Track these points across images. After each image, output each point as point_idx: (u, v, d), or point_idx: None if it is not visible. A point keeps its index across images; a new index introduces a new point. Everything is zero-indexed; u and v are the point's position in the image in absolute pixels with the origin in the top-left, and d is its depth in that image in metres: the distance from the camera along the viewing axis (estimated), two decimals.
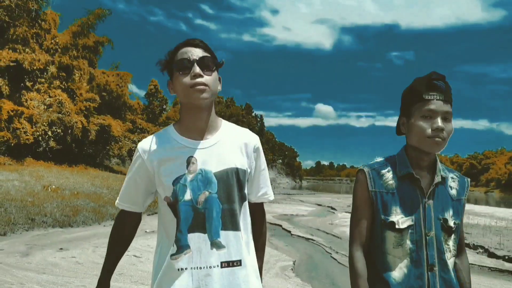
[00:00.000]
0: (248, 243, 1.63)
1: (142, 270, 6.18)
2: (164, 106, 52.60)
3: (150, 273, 5.92)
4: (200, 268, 1.51)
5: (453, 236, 1.64)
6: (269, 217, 14.16)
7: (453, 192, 1.69)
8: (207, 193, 1.54)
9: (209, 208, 1.53)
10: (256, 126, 66.53)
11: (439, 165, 1.68)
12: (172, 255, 1.53)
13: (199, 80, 1.52)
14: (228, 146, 1.63)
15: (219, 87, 1.64)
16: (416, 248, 1.58)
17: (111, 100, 30.63)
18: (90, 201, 12.79)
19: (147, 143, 1.62)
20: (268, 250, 8.32)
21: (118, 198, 1.70)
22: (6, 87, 21.21)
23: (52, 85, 24.39)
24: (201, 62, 1.55)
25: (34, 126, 22.22)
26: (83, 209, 11.57)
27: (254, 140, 1.70)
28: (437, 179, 1.63)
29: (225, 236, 1.54)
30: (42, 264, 6.21)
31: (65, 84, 25.30)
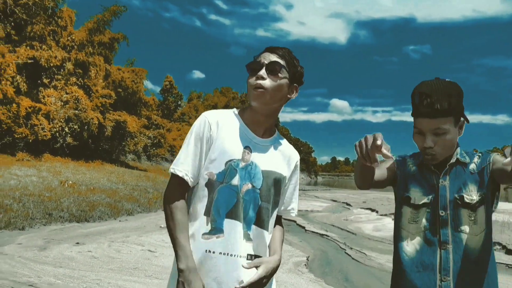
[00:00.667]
0: (269, 245, 1.67)
1: (156, 265, 6.22)
2: (179, 102, 52.88)
3: (164, 267, 5.97)
4: (230, 255, 1.52)
5: (480, 208, 1.62)
6: None
7: (473, 166, 1.68)
8: (250, 185, 1.57)
9: (248, 200, 1.56)
10: None
11: (458, 150, 1.70)
12: (204, 233, 1.53)
13: (259, 82, 1.56)
14: (281, 155, 1.69)
15: (291, 95, 1.67)
16: (430, 226, 1.63)
17: (127, 96, 30.86)
18: (106, 197, 12.92)
19: (216, 115, 1.62)
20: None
21: (176, 166, 1.58)
22: (24, 84, 21.50)
23: (68, 82, 24.68)
24: (269, 66, 1.57)
25: (51, 123, 22.54)
26: (99, 204, 11.69)
27: (297, 156, 1.78)
28: (452, 160, 1.67)
29: (255, 231, 1.58)
30: (59, 258, 6.28)
31: (82, 81, 25.58)
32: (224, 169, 1.56)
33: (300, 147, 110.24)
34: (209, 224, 1.53)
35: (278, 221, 1.76)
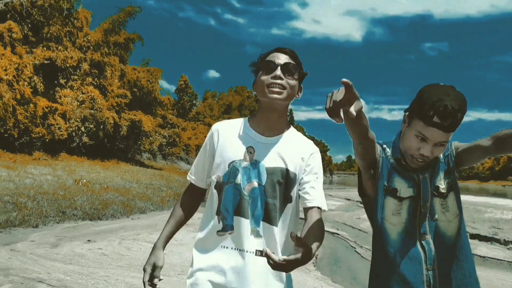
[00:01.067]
0: (285, 242, 1.67)
1: (166, 262, 6.28)
2: (194, 101, 53.13)
3: (172, 264, 6.03)
4: (240, 250, 1.61)
5: (450, 195, 1.69)
6: None
7: (441, 155, 1.72)
8: (255, 183, 1.64)
9: (254, 198, 1.63)
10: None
11: None
12: (218, 231, 1.65)
13: (278, 81, 1.62)
14: (288, 150, 1.70)
15: (298, 95, 1.74)
16: (411, 218, 1.66)
17: (142, 96, 31.18)
18: (119, 195, 13.09)
19: (221, 124, 1.78)
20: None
21: (189, 172, 1.87)
22: (41, 85, 21.85)
23: (84, 82, 25.02)
24: (284, 67, 1.64)
25: (67, 122, 22.89)
26: (112, 202, 11.85)
27: (311, 149, 1.75)
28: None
29: (263, 227, 1.63)
30: (70, 255, 6.40)
31: (97, 81, 25.91)
32: (228, 170, 1.67)
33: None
34: (221, 222, 1.65)
35: (313, 214, 1.62)
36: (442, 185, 1.68)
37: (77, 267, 5.77)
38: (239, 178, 1.65)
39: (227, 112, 52.68)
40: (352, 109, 1.23)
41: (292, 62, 1.67)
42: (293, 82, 1.66)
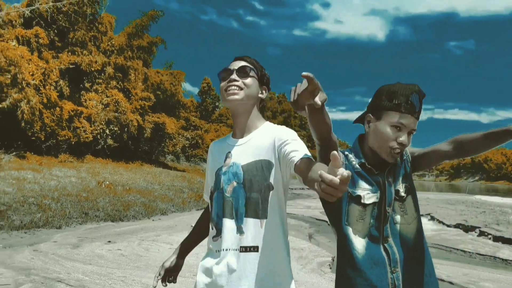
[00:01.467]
0: (275, 230, 1.68)
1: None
2: (217, 103, 53.47)
3: (189, 265, 6.08)
4: (227, 250, 1.67)
5: (408, 198, 1.74)
6: (315, 213, 14.10)
7: (399, 160, 1.77)
8: (234, 183, 1.71)
9: (236, 197, 1.69)
10: None
11: None
12: (213, 237, 1.74)
13: (233, 83, 1.72)
14: (259, 142, 1.74)
15: (263, 94, 1.81)
16: (375, 223, 1.68)
17: (165, 98, 31.54)
18: (141, 197, 13.29)
19: (214, 142, 1.93)
20: (308, 245, 8.33)
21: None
22: (67, 88, 22.39)
23: (109, 85, 25.49)
24: (239, 70, 1.74)
25: (92, 125, 23.37)
26: (133, 204, 12.04)
27: (278, 129, 1.74)
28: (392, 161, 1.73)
29: (246, 222, 1.67)
30: (89, 256, 6.54)
31: (121, 84, 26.36)
32: (215, 179, 1.78)
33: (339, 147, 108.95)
34: (214, 228, 1.75)
35: (307, 162, 1.43)
36: (401, 188, 1.73)
37: (96, 267, 5.90)
38: (221, 183, 1.74)
39: None
40: (317, 99, 1.23)
41: (248, 65, 1.76)
42: (249, 81, 1.74)
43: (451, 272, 6.47)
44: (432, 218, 13.96)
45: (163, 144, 31.81)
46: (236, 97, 1.71)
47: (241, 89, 1.72)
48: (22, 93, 17.93)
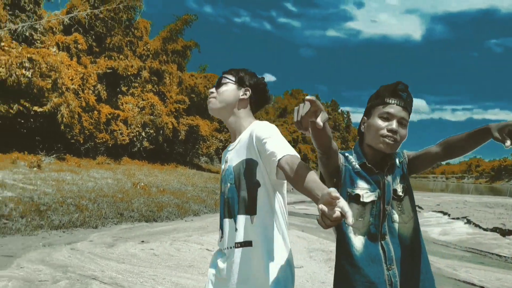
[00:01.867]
0: (265, 225, 1.75)
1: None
2: None
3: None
4: (226, 248, 1.81)
5: (406, 198, 1.82)
6: None
7: (397, 160, 1.87)
8: (229, 184, 1.83)
9: (231, 197, 1.82)
10: (343, 123, 65.32)
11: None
12: (220, 237, 1.88)
13: (210, 95, 1.95)
14: (243, 143, 1.84)
15: (244, 95, 1.92)
16: (374, 220, 1.76)
17: (200, 101, 31.95)
18: (174, 198, 13.55)
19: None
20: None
21: None
22: (104, 92, 23.05)
23: (144, 89, 26.12)
24: (216, 83, 1.95)
25: (129, 128, 23.99)
26: (167, 205, 12.29)
27: (254, 126, 1.80)
28: (392, 160, 1.83)
29: (238, 219, 1.78)
30: (123, 255, 6.75)
31: (157, 88, 26.95)
32: (219, 185, 1.97)
33: None
34: (220, 230, 1.89)
35: (290, 163, 1.49)
36: (399, 188, 1.81)
37: (129, 266, 6.09)
38: (222, 186, 1.90)
39: (282, 116, 52.76)
40: (319, 120, 1.31)
41: (223, 76, 1.95)
42: (222, 88, 1.92)
43: (484, 277, 6.33)
44: (468, 222, 13.59)
45: (197, 146, 32.28)
46: (211, 106, 1.92)
47: (216, 98, 1.91)
48: (62, 97, 18.54)
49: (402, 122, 1.77)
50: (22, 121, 18.82)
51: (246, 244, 1.74)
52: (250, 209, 1.75)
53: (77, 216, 9.17)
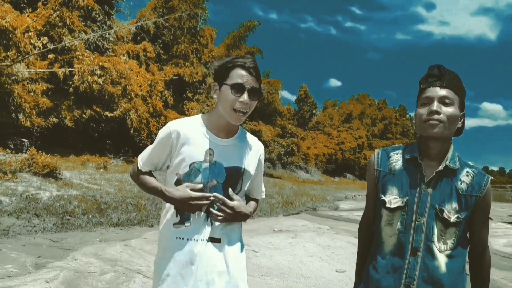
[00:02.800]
0: (236, 226, 2.00)
1: (253, 263, 6.60)
2: (314, 111, 53.34)
3: (259, 266, 6.36)
4: (196, 240, 1.85)
5: (453, 229, 1.64)
6: None
7: (463, 186, 1.66)
8: (215, 181, 1.87)
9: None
10: (412, 129, 62.97)
11: (450, 154, 1.69)
12: (174, 223, 1.88)
13: (242, 106, 1.81)
14: (242, 149, 1.95)
15: (214, 94, 1.97)
16: (404, 230, 1.65)
17: (263, 106, 32.36)
18: None
19: (179, 125, 1.88)
20: None
21: (141, 162, 1.97)
22: (171, 98, 23.98)
23: (209, 95, 26.86)
24: (251, 91, 1.82)
25: None
26: None
27: (262, 148, 2.06)
28: (441, 167, 1.65)
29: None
30: None
31: None
32: (189, 170, 1.85)
33: None
34: (178, 216, 1.88)
35: (256, 202, 2.16)
36: (449, 213, 1.64)
37: None
38: (200, 178, 1.84)
39: (347, 121, 51.92)
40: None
41: (257, 86, 1.89)
42: (254, 103, 1.89)
43: None
44: None
45: None
46: (241, 118, 1.88)
47: (248, 111, 1.88)
48: (131, 103, 19.51)
49: (444, 102, 1.62)
50: (94, 125, 20.08)
51: (217, 240, 1.88)
52: None
53: (135, 215, 9.66)
